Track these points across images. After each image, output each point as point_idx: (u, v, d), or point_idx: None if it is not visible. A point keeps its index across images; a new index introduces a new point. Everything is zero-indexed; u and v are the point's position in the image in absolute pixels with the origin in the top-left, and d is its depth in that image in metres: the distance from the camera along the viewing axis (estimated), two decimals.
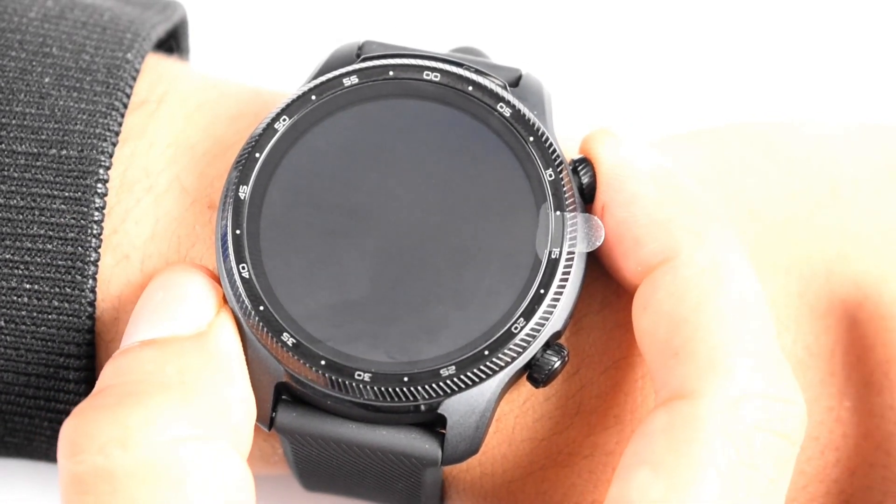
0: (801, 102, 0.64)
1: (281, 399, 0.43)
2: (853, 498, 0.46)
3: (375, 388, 0.42)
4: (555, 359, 0.43)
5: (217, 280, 0.44)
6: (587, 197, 0.44)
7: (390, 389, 0.42)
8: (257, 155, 0.44)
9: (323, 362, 0.42)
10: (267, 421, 0.43)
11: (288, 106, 0.44)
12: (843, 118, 0.53)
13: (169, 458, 0.39)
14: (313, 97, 0.45)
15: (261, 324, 0.42)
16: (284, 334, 0.42)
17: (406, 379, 0.42)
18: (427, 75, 0.45)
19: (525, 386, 0.45)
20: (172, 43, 0.51)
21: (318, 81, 0.45)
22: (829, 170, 0.48)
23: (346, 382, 0.42)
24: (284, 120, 0.44)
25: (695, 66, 0.65)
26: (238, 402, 0.42)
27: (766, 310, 0.42)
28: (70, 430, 0.40)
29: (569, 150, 0.46)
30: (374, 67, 0.45)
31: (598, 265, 0.45)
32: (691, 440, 0.39)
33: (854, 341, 0.46)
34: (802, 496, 0.46)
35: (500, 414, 0.45)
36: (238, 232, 0.43)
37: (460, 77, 0.45)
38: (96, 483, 0.39)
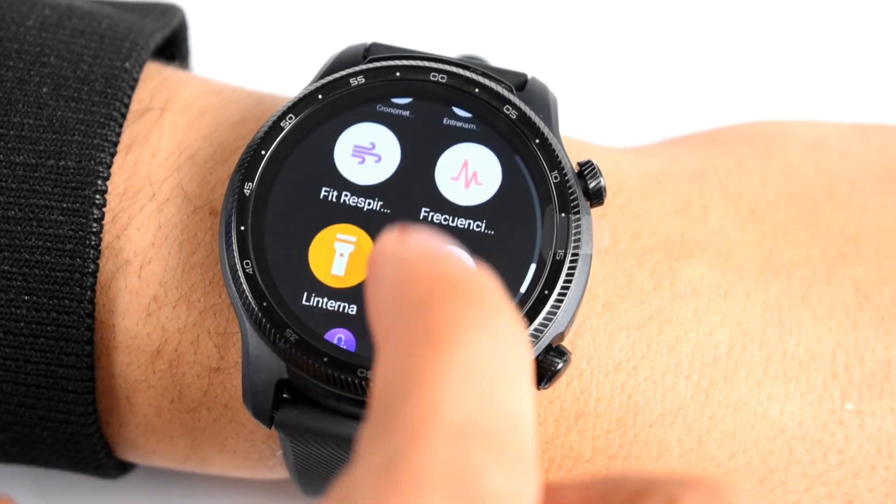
0: (800, 102, 0.64)
1: (282, 397, 0.43)
2: (856, 500, 0.46)
3: None
4: (557, 360, 0.43)
5: None
6: (593, 200, 0.44)
7: None
8: (263, 152, 0.44)
9: (325, 359, 0.42)
10: (267, 418, 0.43)
11: (294, 104, 0.45)
12: (839, 118, 0.53)
13: None
14: (320, 96, 0.45)
15: (263, 320, 0.42)
16: (287, 330, 0.42)
17: None
18: (434, 76, 0.45)
19: None
20: (174, 50, 0.51)
21: (324, 81, 0.45)
22: (826, 170, 0.48)
23: (349, 379, 0.42)
24: (290, 118, 0.44)
25: (694, 68, 0.65)
26: None
27: None
28: None
29: (574, 153, 0.46)
30: (380, 68, 0.45)
31: (601, 269, 0.45)
32: None
33: (855, 343, 0.46)
34: (805, 498, 0.46)
35: None
36: (242, 228, 0.43)
37: (467, 79, 0.45)
38: None
